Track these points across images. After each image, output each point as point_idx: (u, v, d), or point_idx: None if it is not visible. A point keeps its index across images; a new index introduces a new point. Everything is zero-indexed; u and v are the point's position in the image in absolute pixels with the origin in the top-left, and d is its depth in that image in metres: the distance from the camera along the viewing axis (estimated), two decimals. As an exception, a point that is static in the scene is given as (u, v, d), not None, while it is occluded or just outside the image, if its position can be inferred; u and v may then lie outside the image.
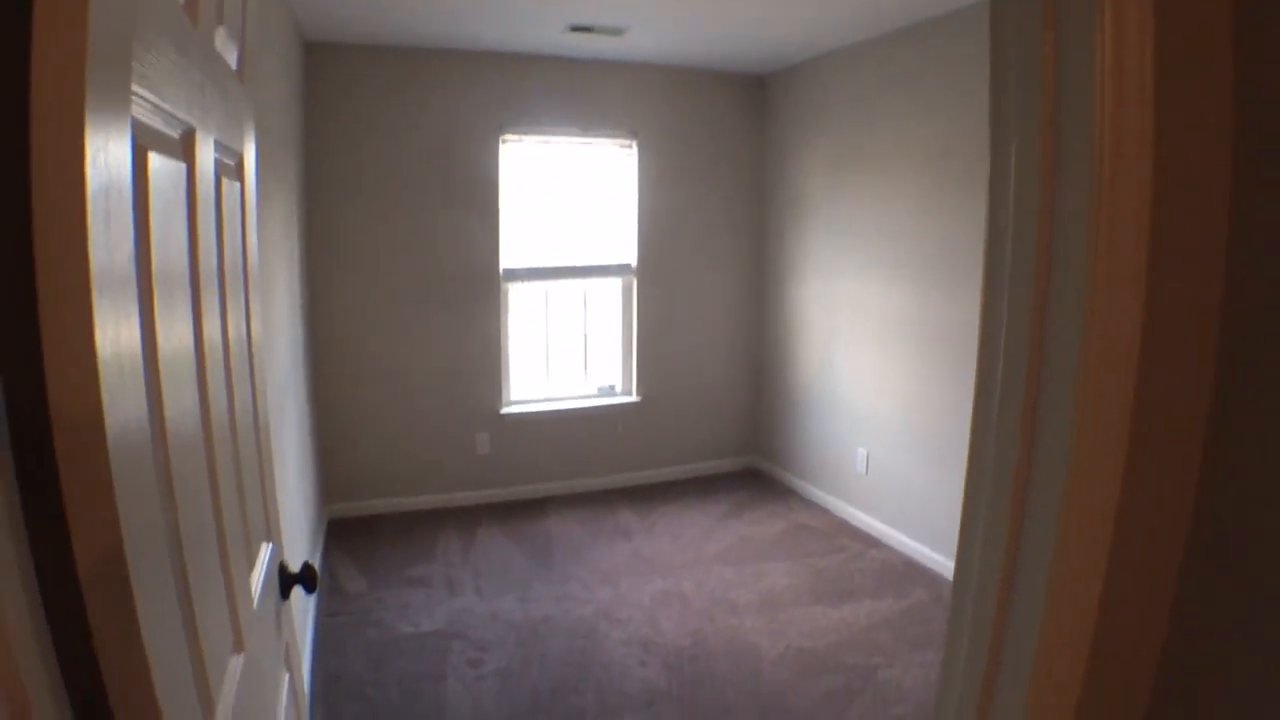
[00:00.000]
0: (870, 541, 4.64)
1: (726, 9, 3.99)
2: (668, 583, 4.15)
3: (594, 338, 5.69)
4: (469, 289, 5.12)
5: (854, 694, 3.17)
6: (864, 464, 4.79)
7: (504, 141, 5.07)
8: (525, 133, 5.12)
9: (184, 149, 0.94)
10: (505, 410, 5.32)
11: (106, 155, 0.63)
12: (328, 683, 3.27)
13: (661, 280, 5.57)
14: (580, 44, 4.75)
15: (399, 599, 3.99)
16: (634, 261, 5.50)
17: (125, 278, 0.69)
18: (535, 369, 5.54)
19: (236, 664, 1.03)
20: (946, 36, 3.94)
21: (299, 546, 3.36)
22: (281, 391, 3.13)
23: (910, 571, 4.22)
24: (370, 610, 3.88)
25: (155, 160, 0.80)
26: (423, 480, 5.22)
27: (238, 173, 1.35)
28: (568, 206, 5.38)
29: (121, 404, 0.66)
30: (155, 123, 0.82)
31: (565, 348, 5.67)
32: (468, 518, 5.07)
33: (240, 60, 1.40)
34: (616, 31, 4.43)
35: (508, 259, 5.21)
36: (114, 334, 0.65)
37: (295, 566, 1.69)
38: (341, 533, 4.79)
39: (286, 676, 1.48)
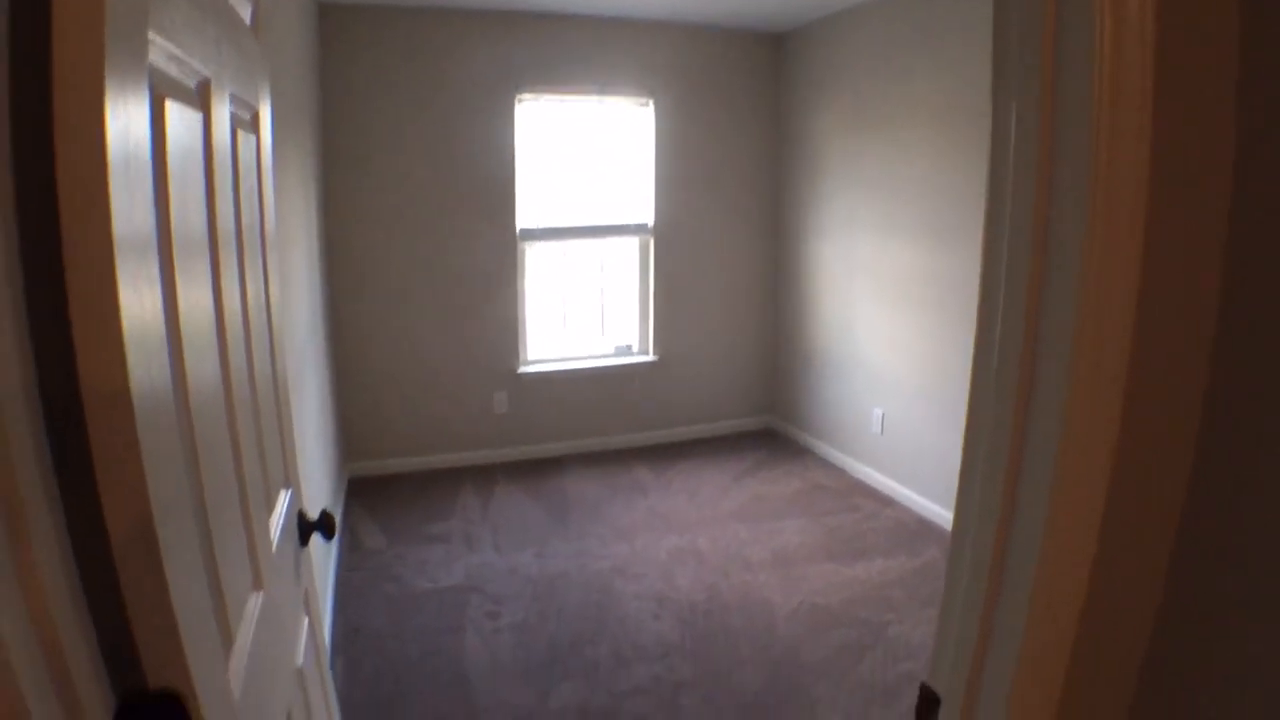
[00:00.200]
0: (885, 500, 4.67)
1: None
2: (683, 539, 4.20)
3: (611, 297, 5.71)
4: (486, 250, 5.14)
5: (865, 649, 3.21)
6: (879, 424, 4.80)
7: (519, 101, 5.06)
8: (541, 92, 5.11)
9: (200, 99, 0.96)
10: (523, 370, 5.36)
11: (125, 99, 0.65)
12: (348, 635, 3.34)
13: (678, 240, 5.56)
14: (596, 1, 4.72)
15: (418, 555, 4.06)
16: (651, 221, 5.50)
17: (145, 226, 0.71)
18: (552, 329, 5.58)
19: (255, 601, 1.07)
20: (966, -9, 3.89)
21: (319, 503, 3.42)
22: (300, 351, 3.17)
23: (923, 530, 4.25)
24: (390, 566, 3.95)
25: (172, 108, 0.82)
26: (441, 439, 5.28)
27: (253, 126, 1.37)
28: (584, 166, 5.37)
29: (146, 361, 0.69)
30: (171, 70, 0.84)
31: (582, 307, 5.69)
32: (486, 476, 5.13)
33: (254, 17, 1.42)
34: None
35: (525, 219, 5.22)
36: (136, 293, 0.68)
37: (314, 517, 1.74)
38: (361, 491, 4.86)
39: (306, 620, 1.52)
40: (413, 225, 4.96)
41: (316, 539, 2.36)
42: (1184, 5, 0.79)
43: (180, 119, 0.86)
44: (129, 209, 0.67)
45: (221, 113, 1.06)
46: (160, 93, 0.78)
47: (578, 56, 5.11)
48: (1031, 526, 0.97)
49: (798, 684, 3.00)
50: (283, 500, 1.40)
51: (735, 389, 5.98)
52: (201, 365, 0.92)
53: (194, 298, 0.90)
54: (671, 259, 5.57)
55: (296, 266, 3.18)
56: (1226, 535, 0.91)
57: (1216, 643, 0.94)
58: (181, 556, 0.76)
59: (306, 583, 1.57)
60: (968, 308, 3.98)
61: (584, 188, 5.40)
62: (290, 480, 1.50)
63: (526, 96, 5.08)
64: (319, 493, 3.45)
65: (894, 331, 4.63)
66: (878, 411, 4.81)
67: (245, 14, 1.32)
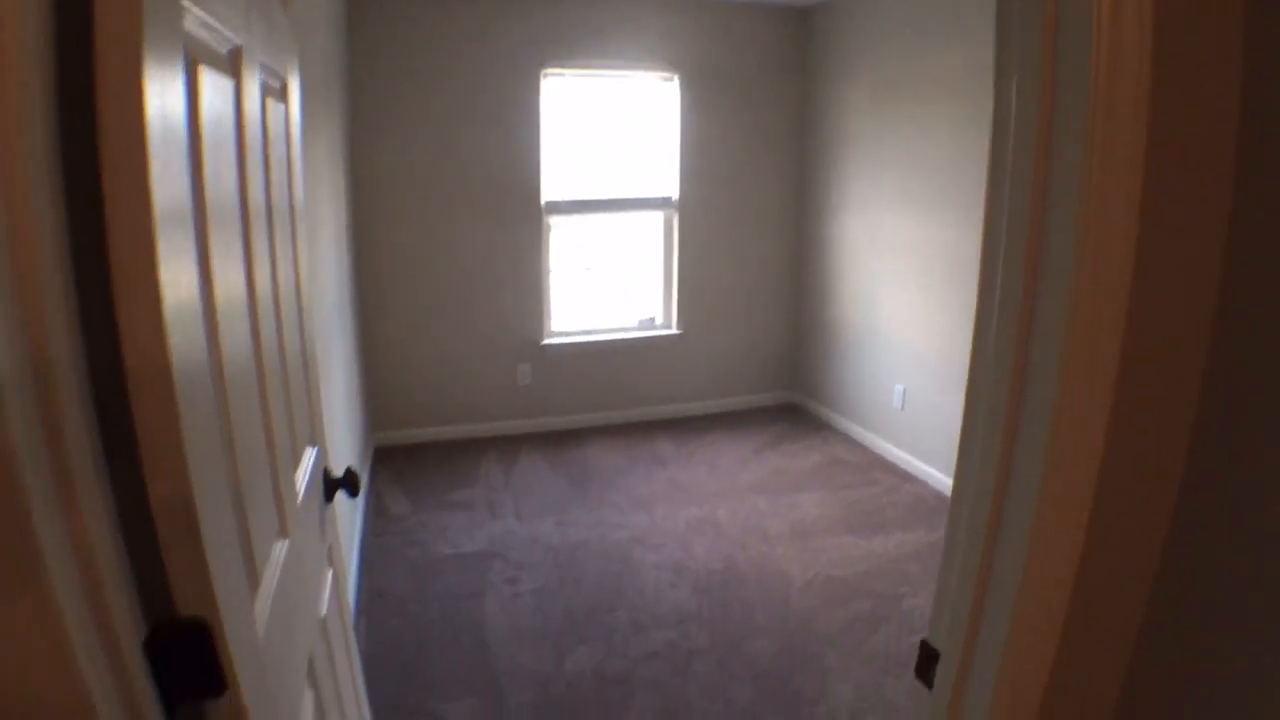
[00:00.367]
0: (904, 476, 4.70)
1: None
2: (702, 510, 4.25)
3: (635, 270, 5.74)
4: (511, 222, 5.18)
5: (879, 620, 3.26)
6: (900, 400, 4.82)
7: (545, 75, 5.08)
8: (566, 66, 5.12)
9: (232, 66, 1.01)
10: (547, 342, 5.42)
11: (163, 64, 0.70)
12: (372, 598, 3.42)
13: (702, 214, 5.58)
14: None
15: (441, 521, 4.14)
16: (675, 195, 5.51)
17: (183, 195, 0.76)
18: (576, 301, 5.62)
19: (281, 548, 1.13)
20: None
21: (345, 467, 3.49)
22: (327, 321, 3.23)
23: (941, 506, 4.28)
24: (413, 532, 4.03)
25: (206, 75, 0.87)
26: (466, 410, 5.35)
27: (283, 97, 1.42)
28: (609, 140, 5.39)
29: (184, 330, 0.75)
30: (205, 37, 0.88)
31: (606, 280, 5.73)
32: (509, 446, 5.21)
33: (282, -12, 1.46)
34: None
35: (549, 192, 5.25)
36: (175, 263, 0.73)
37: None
38: (387, 459, 4.95)
39: (330, 573, 1.58)
40: (439, 199, 5.01)
41: (342, 498, 2.43)
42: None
43: (214, 86, 0.90)
44: (168, 177, 0.72)
45: (252, 81, 1.11)
46: (195, 59, 0.83)
47: (603, 32, 5.11)
48: (1027, 487, 1.00)
49: (811, 653, 3.05)
50: (308, 457, 1.45)
51: (757, 364, 6.01)
52: (234, 332, 0.97)
53: (228, 265, 0.95)
54: (695, 233, 5.59)
55: (324, 237, 3.24)
56: (1225, 506, 0.92)
57: (1215, 610, 0.95)
58: (213, 503, 0.82)
59: (331, 538, 1.63)
60: (990, 284, 3.97)
61: (608, 162, 5.42)
62: (316, 439, 1.55)
63: (552, 72, 5.10)
64: (345, 459, 3.53)
65: (915, 307, 4.64)
66: (898, 387, 4.82)
67: (274, -14, 1.36)
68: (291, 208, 1.46)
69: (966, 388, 1.16)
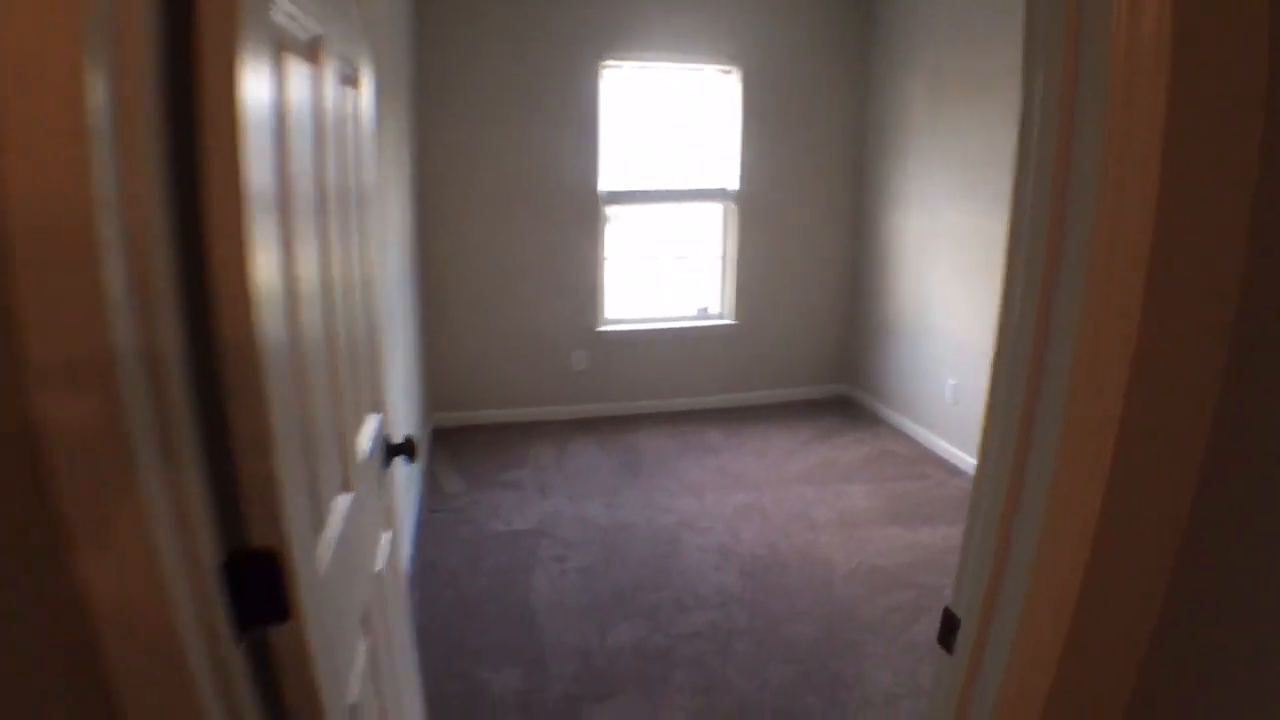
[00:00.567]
0: (953, 470, 4.70)
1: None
2: (750, 497, 4.32)
3: (691, 261, 5.81)
4: (570, 211, 5.28)
5: (921, 610, 3.29)
6: (952, 394, 4.82)
7: (605, 67, 5.16)
8: (626, 59, 5.20)
9: (312, 55, 1.10)
10: (602, 329, 5.51)
11: (257, 53, 0.79)
12: (425, 571, 3.55)
13: (760, 205, 5.61)
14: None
15: (493, 500, 4.26)
16: (733, 186, 5.56)
17: (272, 179, 0.86)
18: (632, 290, 5.70)
19: (344, 500, 1.23)
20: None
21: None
22: (390, 301, 3.35)
23: (990, 501, 4.27)
24: (466, 509, 4.16)
25: (291, 63, 0.96)
26: (521, 394, 5.48)
27: (356, 84, 1.52)
28: (667, 131, 5.46)
29: (271, 311, 0.86)
30: (290, 26, 0.98)
31: (663, 270, 5.80)
32: (562, 430, 5.32)
33: (356, -18, 1.55)
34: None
35: (607, 182, 5.34)
36: (265, 246, 0.83)
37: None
38: (443, 440, 5.10)
39: (386, 534, 1.68)
40: (499, 187, 5.13)
41: (400, 472, 2.54)
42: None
43: (298, 74, 1.00)
44: (260, 162, 0.81)
45: (330, 69, 1.20)
46: (282, 48, 0.92)
47: (663, 24, 5.17)
48: (1044, 462, 1.04)
49: (850, 639, 3.10)
50: (371, 423, 1.55)
51: (811, 356, 6.03)
52: (310, 304, 1.07)
53: (306, 245, 1.05)
54: (753, 224, 5.63)
55: (390, 222, 3.35)
56: (1241, 502, 0.94)
57: (1230, 602, 0.98)
58: (288, 449, 0.91)
59: (388, 500, 1.73)
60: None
61: (667, 152, 5.48)
62: (378, 407, 1.65)
63: (611, 63, 5.18)
64: (404, 433, 3.64)
65: (969, 302, 4.63)
66: (950, 381, 4.82)
67: (347, -20, 1.46)
68: (363, 191, 1.56)
69: (990, 373, 1.21)
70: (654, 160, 5.47)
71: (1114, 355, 0.93)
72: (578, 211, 5.29)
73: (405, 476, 3.58)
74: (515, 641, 3.07)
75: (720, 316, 5.82)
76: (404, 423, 3.65)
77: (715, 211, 5.66)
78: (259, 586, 0.88)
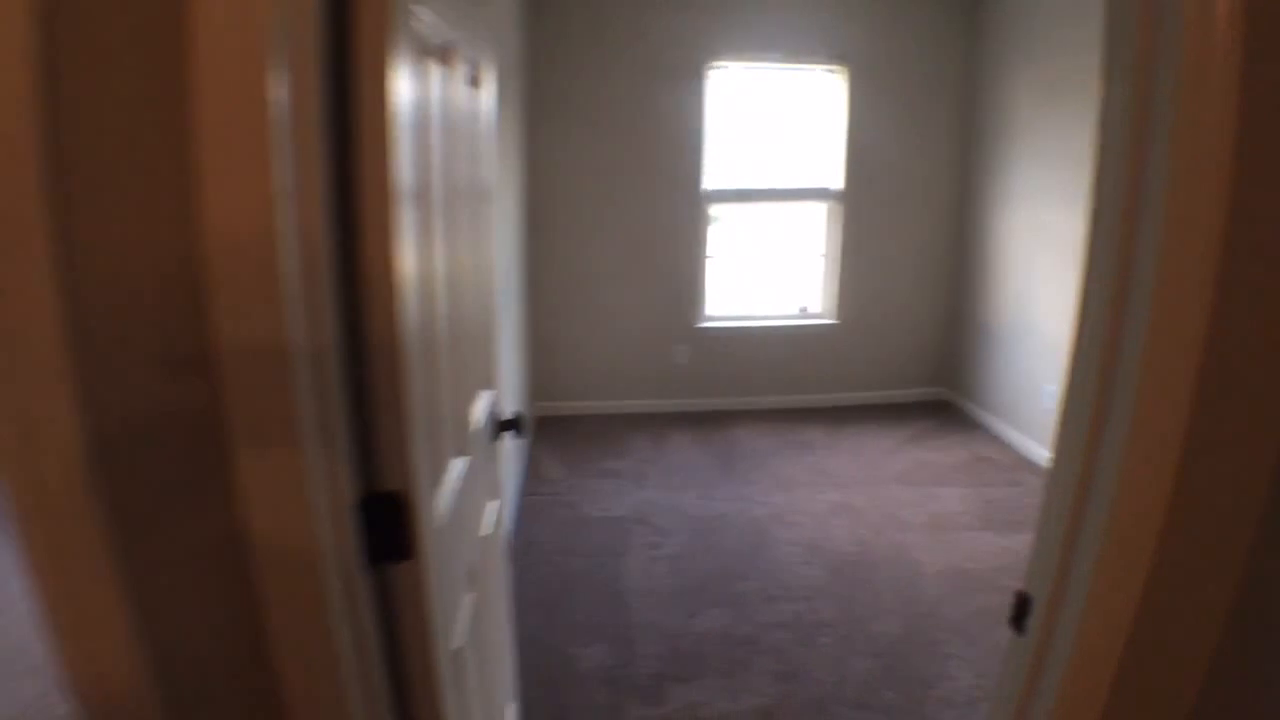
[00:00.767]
0: (1052, 480, 4.63)
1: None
2: (842, 495, 4.36)
3: (794, 260, 5.86)
4: (674, 209, 5.40)
5: (1008, 615, 3.29)
6: (1051, 401, 4.75)
7: (711, 68, 5.26)
8: (732, 59, 5.28)
9: (445, 58, 1.24)
10: (704, 325, 5.62)
11: (404, 59, 0.93)
12: (524, 548, 3.73)
13: (863, 206, 5.61)
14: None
15: (591, 487, 4.42)
16: (836, 185, 5.58)
17: (414, 179, 0.99)
18: (735, 288, 5.79)
19: (460, 463, 1.37)
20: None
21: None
22: (503, 293, 3.53)
23: (1088, 512, 4.21)
24: (565, 494, 4.33)
25: (431, 67, 1.10)
26: (622, 387, 5.65)
27: (480, 85, 1.66)
28: (772, 130, 5.52)
29: (411, 306, 1.02)
30: (428, 34, 1.12)
31: (765, 268, 5.87)
32: (661, 423, 5.45)
33: (481, -7, 1.70)
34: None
35: (712, 180, 5.43)
36: (409, 245, 0.97)
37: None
38: (546, 428, 5.29)
39: (493, 503, 1.83)
40: (606, 184, 5.29)
41: (506, 454, 2.71)
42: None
43: (436, 77, 1.14)
44: (407, 159, 0.95)
45: (460, 73, 1.34)
46: (423, 53, 1.06)
47: (769, 26, 5.23)
48: (1111, 456, 1.09)
49: (933, 638, 3.13)
50: (484, 397, 1.70)
51: (911, 358, 6.00)
52: (439, 291, 1.22)
53: (438, 236, 1.20)
54: (856, 225, 5.63)
55: (504, 216, 3.53)
56: None
57: None
58: (416, 411, 1.05)
59: (495, 471, 1.88)
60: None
61: (771, 151, 5.54)
62: (490, 384, 1.80)
63: (717, 65, 5.27)
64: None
65: (1071, 308, 4.55)
66: (1049, 388, 4.75)
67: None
68: (484, 185, 1.71)
69: (1066, 372, 1.26)
70: (758, 159, 5.54)
71: (1181, 355, 0.95)
72: (682, 209, 5.41)
73: (510, 455, 3.76)
74: (605, 620, 3.21)
75: (821, 316, 5.85)
76: (510, 406, 3.83)
77: (818, 211, 5.69)
78: (387, 528, 1.02)
